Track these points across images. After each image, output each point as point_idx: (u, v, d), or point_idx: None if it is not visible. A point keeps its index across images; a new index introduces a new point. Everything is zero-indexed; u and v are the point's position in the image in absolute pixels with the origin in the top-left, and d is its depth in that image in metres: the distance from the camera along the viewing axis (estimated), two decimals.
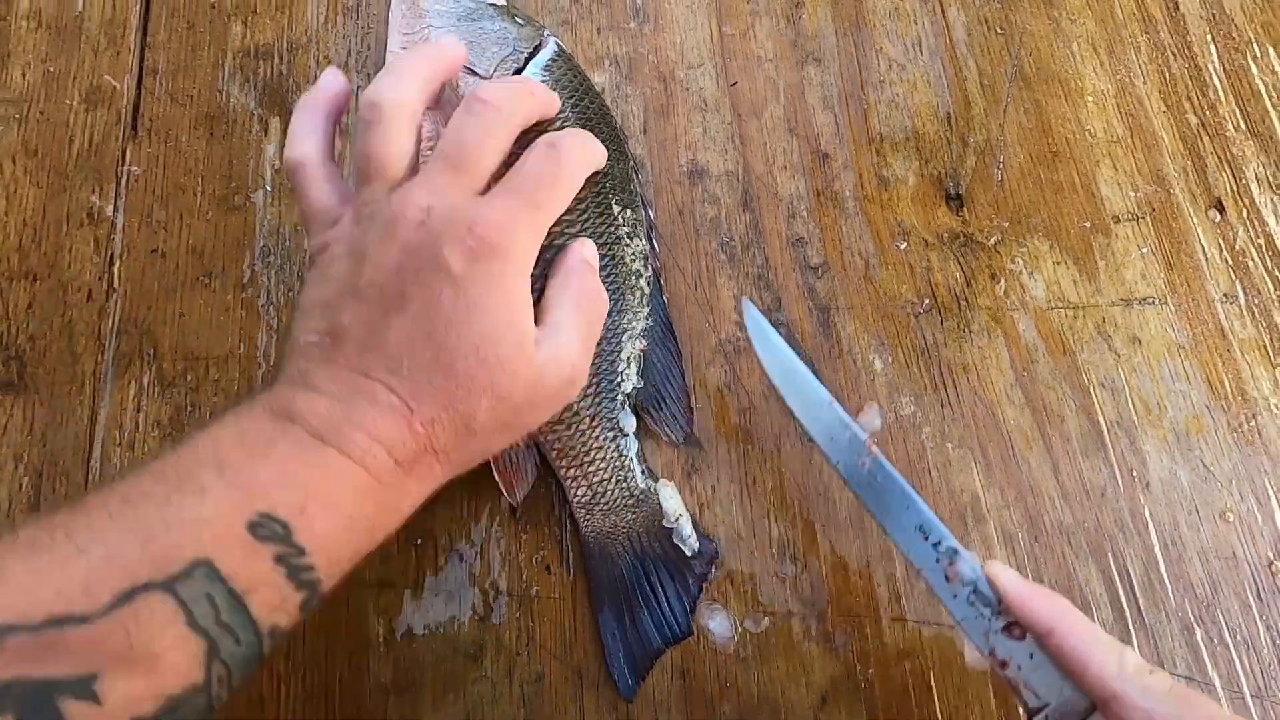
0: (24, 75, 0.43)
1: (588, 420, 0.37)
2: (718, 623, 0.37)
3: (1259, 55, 0.47)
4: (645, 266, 0.39)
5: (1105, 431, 0.40)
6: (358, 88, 0.42)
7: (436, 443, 0.28)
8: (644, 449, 0.38)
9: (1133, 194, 0.44)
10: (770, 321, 0.36)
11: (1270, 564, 0.38)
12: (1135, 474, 0.39)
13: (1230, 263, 0.43)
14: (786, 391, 0.34)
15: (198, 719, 0.23)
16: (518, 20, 0.39)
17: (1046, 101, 0.46)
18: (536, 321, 0.30)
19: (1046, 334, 0.42)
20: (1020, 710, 0.29)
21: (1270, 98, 0.47)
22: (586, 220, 0.36)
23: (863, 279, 0.42)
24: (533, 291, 0.31)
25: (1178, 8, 0.48)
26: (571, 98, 0.37)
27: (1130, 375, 0.41)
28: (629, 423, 0.38)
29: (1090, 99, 0.46)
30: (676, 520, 0.37)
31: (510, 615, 0.36)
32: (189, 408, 0.39)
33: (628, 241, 0.38)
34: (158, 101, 0.43)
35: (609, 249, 0.37)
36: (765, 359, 0.35)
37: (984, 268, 0.43)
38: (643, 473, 0.38)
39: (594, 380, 0.37)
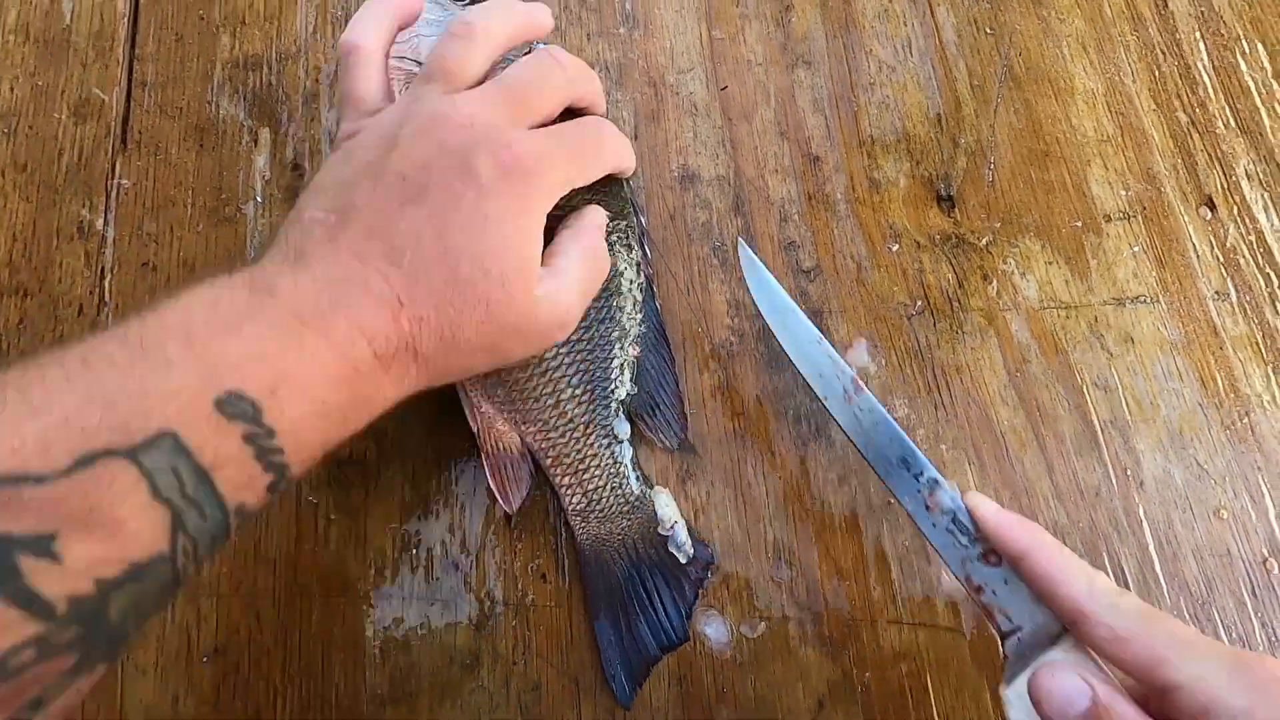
0: (12, 89, 0.43)
1: (582, 427, 0.37)
2: (714, 628, 0.37)
3: (1248, 52, 0.48)
4: (638, 273, 0.39)
5: (1099, 431, 0.40)
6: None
7: (419, 344, 0.28)
8: (638, 455, 0.38)
9: (1123, 193, 0.44)
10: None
11: (1265, 561, 0.38)
12: (1129, 473, 0.39)
13: (1221, 260, 0.43)
14: (778, 329, 0.35)
15: (163, 589, 0.22)
16: None
17: (1037, 101, 0.46)
18: (542, 262, 0.31)
19: (1039, 334, 0.42)
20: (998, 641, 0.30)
21: (1260, 94, 0.47)
22: None
23: (855, 281, 0.42)
24: None
25: (1166, 6, 0.48)
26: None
27: (1123, 374, 0.41)
28: (623, 429, 0.38)
29: (1080, 98, 0.46)
30: (672, 527, 0.37)
31: (506, 624, 0.36)
32: None
33: (620, 249, 0.38)
34: (147, 114, 0.43)
35: None
36: (758, 298, 0.36)
37: (976, 268, 0.43)
38: (637, 479, 0.38)
39: (588, 387, 0.37)
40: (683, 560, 0.37)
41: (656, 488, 0.38)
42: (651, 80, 0.45)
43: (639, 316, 0.38)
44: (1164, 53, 0.47)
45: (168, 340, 0.23)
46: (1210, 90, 0.47)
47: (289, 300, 0.26)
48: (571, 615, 0.37)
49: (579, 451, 0.37)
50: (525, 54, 0.34)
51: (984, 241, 0.43)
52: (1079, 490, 0.39)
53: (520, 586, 0.37)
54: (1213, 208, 0.44)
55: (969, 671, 0.36)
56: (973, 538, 0.29)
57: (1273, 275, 0.43)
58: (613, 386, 0.37)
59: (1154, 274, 0.43)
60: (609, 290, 0.37)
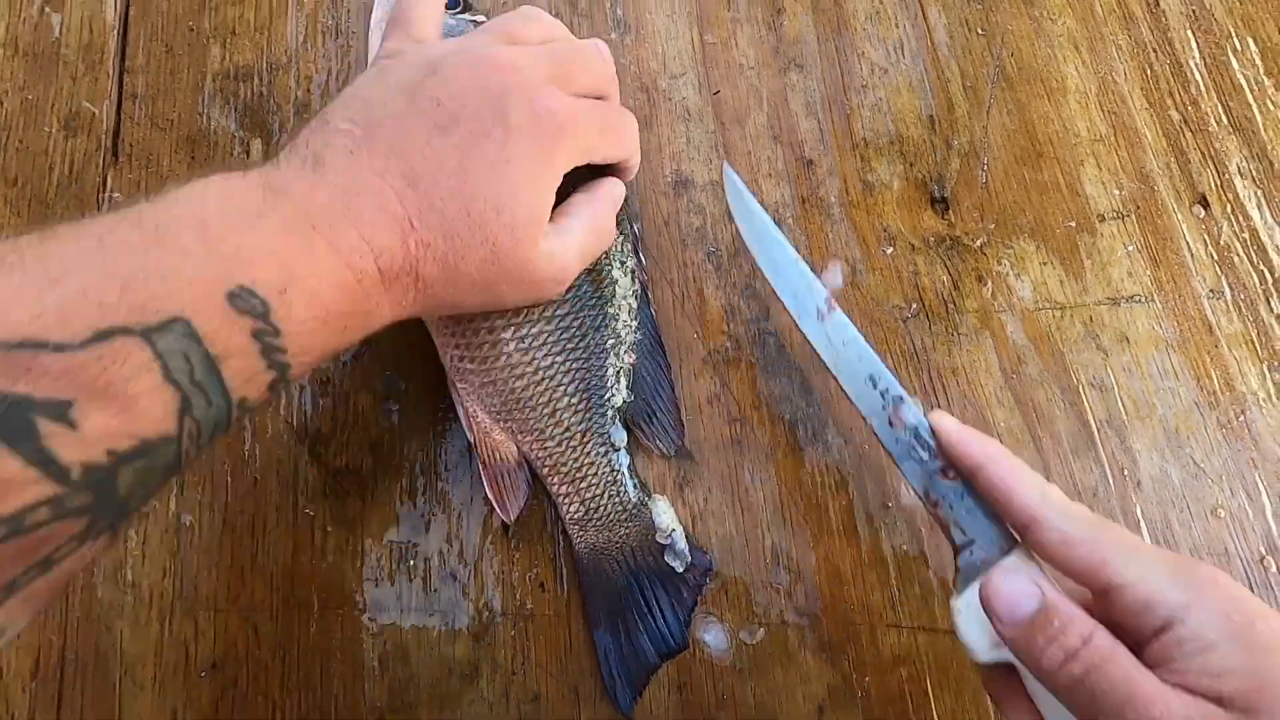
0: (2, 104, 0.43)
1: (579, 436, 0.37)
2: (713, 635, 0.37)
3: (1239, 49, 0.48)
4: (632, 280, 0.39)
5: (1095, 431, 0.40)
6: None
7: (421, 268, 0.28)
8: (636, 463, 0.38)
9: (1117, 192, 0.44)
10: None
11: (1262, 559, 0.38)
12: (1126, 473, 0.39)
13: (1216, 258, 0.43)
14: (757, 250, 0.36)
15: (166, 470, 0.23)
16: None
17: (1029, 102, 0.46)
18: (551, 218, 0.31)
19: (1034, 335, 0.42)
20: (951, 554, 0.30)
21: (1252, 91, 0.47)
22: None
23: (850, 285, 0.42)
24: None
25: (1158, 4, 0.48)
26: None
27: (1119, 374, 0.41)
28: (620, 437, 0.38)
29: (1073, 98, 0.46)
30: (670, 535, 0.37)
31: (505, 634, 0.36)
32: None
33: (615, 257, 0.38)
34: (138, 126, 0.43)
35: (594, 267, 0.37)
36: (740, 220, 0.36)
37: (971, 270, 0.43)
38: (635, 486, 0.37)
39: (584, 396, 0.37)
40: (679, 569, 0.37)
41: (655, 496, 0.38)
42: (644, 85, 0.45)
43: (634, 324, 0.38)
44: (1156, 51, 0.47)
45: (182, 229, 0.24)
46: (1202, 88, 0.47)
47: (302, 204, 0.26)
48: (570, 624, 0.37)
49: (576, 460, 0.37)
50: None
51: (978, 243, 0.43)
52: (1076, 491, 0.39)
53: (519, 596, 0.37)
54: (1206, 206, 0.44)
55: (969, 675, 0.36)
56: (933, 453, 0.30)
57: (1267, 272, 0.43)
58: (609, 394, 0.37)
59: (1148, 273, 0.43)
60: (603, 298, 0.37)
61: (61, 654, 0.35)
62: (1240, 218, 0.44)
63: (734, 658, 0.36)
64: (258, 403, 0.25)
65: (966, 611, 0.28)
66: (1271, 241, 0.44)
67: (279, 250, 0.25)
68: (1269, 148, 0.45)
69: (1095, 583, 0.26)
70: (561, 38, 0.34)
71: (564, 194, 0.32)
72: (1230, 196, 0.45)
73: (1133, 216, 0.44)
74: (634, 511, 0.37)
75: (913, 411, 0.31)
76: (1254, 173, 0.45)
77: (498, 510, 0.36)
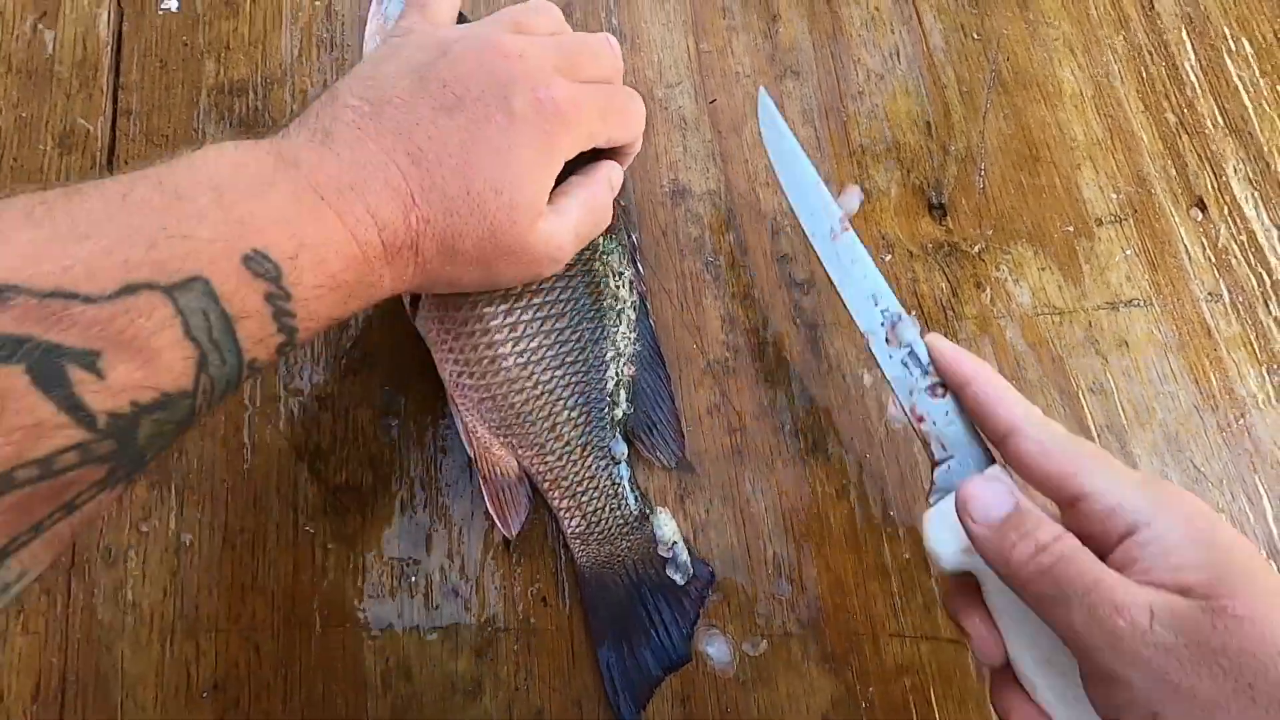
0: None
1: (579, 449, 0.37)
2: (716, 648, 0.37)
3: (1235, 50, 0.48)
4: (631, 292, 0.38)
5: (1095, 436, 0.40)
6: None
7: (421, 243, 0.29)
8: (636, 475, 0.38)
9: (1114, 196, 0.44)
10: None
11: None
12: None
13: (1214, 261, 0.43)
14: (781, 170, 0.37)
15: (180, 424, 0.24)
16: None
17: (1026, 106, 0.46)
18: (549, 199, 0.32)
19: (1034, 340, 0.42)
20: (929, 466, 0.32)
21: (1248, 93, 0.47)
22: None
23: None
24: None
25: (1153, 6, 0.48)
26: None
27: (1118, 378, 0.41)
28: (620, 450, 0.37)
29: (1069, 102, 0.46)
30: (672, 547, 0.37)
31: (508, 649, 0.36)
32: (178, 454, 0.38)
33: (613, 270, 0.38)
34: (133, 142, 0.43)
35: (592, 278, 0.37)
36: (769, 142, 0.38)
37: (969, 276, 0.43)
38: (636, 499, 0.37)
39: (583, 409, 0.37)
40: (681, 581, 0.36)
41: (657, 509, 0.38)
42: (639, 95, 0.45)
43: (633, 335, 0.38)
44: (1151, 54, 0.47)
45: (199, 193, 0.24)
46: (1198, 90, 0.47)
47: (311, 175, 0.27)
48: (573, 638, 0.37)
49: (577, 474, 0.37)
50: None
51: (976, 249, 0.43)
52: None
53: (521, 611, 0.37)
54: (1203, 208, 0.44)
55: (972, 683, 0.36)
56: (924, 371, 0.32)
57: (1265, 275, 0.43)
58: (608, 407, 0.37)
59: (1146, 277, 0.43)
60: (602, 310, 0.37)
61: (62, 676, 0.35)
62: (1237, 220, 0.44)
63: (737, 669, 0.36)
64: (266, 364, 0.26)
65: (939, 519, 0.30)
66: (1269, 243, 0.44)
67: (290, 218, 0.26)
68: (1265, 149, 0.45)
69: (1067, 491, 0.27)
70: (570, 31, 0.35)
71: (564, 174, 0.32)
72: (1227, 199, 0.44)
73: (1130, 220, 0.44)
74: (635, 524, 0.37)
75: (910, 330, 0.32)
76: (1251, 174, 0.45)
77: (499, 525, 0.36)
